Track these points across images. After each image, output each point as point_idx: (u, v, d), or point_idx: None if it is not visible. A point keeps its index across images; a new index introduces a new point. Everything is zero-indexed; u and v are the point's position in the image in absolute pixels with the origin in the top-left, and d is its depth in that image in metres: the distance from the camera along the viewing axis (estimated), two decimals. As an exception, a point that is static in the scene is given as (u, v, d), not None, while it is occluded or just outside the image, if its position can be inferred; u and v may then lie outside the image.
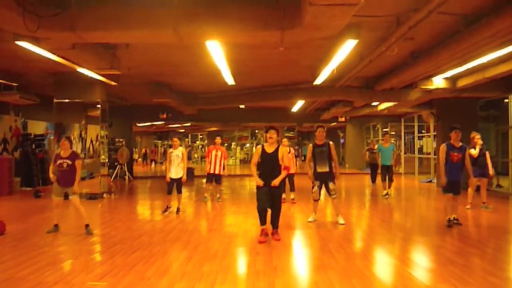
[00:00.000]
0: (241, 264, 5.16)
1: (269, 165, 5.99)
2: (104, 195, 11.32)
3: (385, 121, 21.86)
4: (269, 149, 6.03)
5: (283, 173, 5.97)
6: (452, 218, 7.02)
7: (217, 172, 10.06)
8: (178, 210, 8.53)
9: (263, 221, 6.07)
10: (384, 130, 23.04)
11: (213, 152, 10.07)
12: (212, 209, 9.46)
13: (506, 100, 12.20)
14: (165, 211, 8.49)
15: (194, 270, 4.60)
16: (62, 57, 7.44)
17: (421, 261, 5.26)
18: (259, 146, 6.16)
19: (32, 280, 4.26)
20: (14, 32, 5.76)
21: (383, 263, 5.24)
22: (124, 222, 7.60)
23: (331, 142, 7.30)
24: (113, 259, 5.08)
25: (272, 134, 6.01)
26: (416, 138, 19.04)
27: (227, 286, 4.14)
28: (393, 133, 22.99)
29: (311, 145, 7.38)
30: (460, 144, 7.04)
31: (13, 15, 4.92)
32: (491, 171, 8.71)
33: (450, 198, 7.02)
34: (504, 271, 4.87)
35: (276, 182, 5.87)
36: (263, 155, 6.03)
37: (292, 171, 10.02)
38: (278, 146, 6.06)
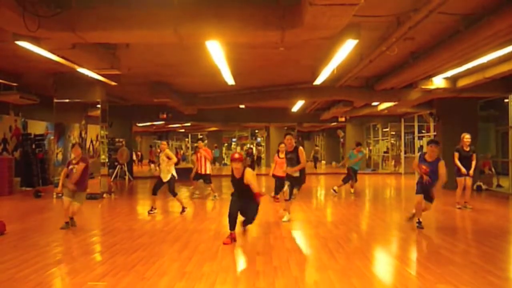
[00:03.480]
0: (241, 264, 5.17)
1: (238, 189, 6.09)
2: (104, 195, 11.32)
3: (385, 121, 21.86)
4: (237, 174, 5.97)
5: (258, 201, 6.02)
6: (418, 220, 6.80)
7: (203, 172, 10.68)
8: (183, 209, 8.64)
9: (231, 227, 5.94)
10: (384, 130, 23.07)
11: (198, 155, 10.84)
12: (212, 209, 9.47)
13: (506, 100, 12.20)
14: (150, 211, 8.59)
15: (194, 270, 4.61)
16: (62, 57, 7.44)
17: (421, 261, 5.26)
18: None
19: (32, 280, 4.27)
20: (14, 32, 5.75)
21: (383, 263, 5.24)
22: (124, 222, 7.60)
23: (300, 148, 7.52)
24: (113, 259, 5.08)
25: (237, 165, 5.89)
26: (416, 138, 19.04)
27: (227, 286, 4.14)
28: (393, 133, 23.00)
29: (283, 144, 7.70)
30: (434, 158, 6.63)
31: (13, 15, 4.92)
32: (471, 172, 8.62)
33: (420, 200, 6.75)
34: (504, 271, 4.88)
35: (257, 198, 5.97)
36: (232, 179, 6.12)
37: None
38: (244, 171, 5.91)
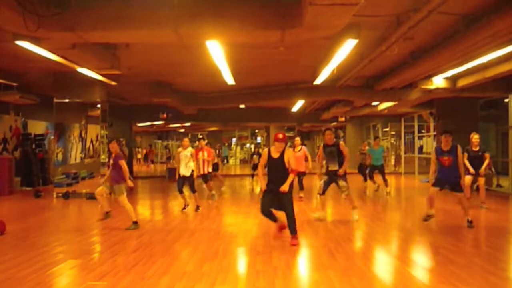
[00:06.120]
0: (241, 264, 5.17)
1: (276, 170, 5.83)
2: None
3: (385, 121, 21.84)
4: (275, 154, 5.85)
5: (291, 177, 5.76)
6: (430, 214, 6.90)
7: (204, 172, 10.29)
8: (197, 207, 8.75)
9: (273, 219, 5.98)
10: (384, 130, 23.05)
11: (199, 154, 10.14)
12: (212, 209, 9.47)
13: (506, 100, 12.20)
14: (184, 208, 8.80)
15: (194, 270, 4.61)
16: (62, 57, 7.44)
17: (421, 261, 5.26)
18: (266, 150, 6.06)
19: (32, 280, 4.27)
20: (14, 32, 5.75)
21: (383, 263, 5.24)
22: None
23: (341, 142, 7.70)
24: (113, 259, 5.08)
25: (281, 144, 5.81)
26: (416, 138, 19.05)
27: (227, 286, 4.14)
28: (393, 133, 22.98)
29: (322, 145, 7.72)
30: (449, 146, 6.70)
31: (13, 14, 4.92)
32: (482, 170, 8.58)
33: (434, 192, 6.82)
34: (504, 271, 4.87)
35: (285, 187, 5.67)
36: (269, 160, 5.88)
37: (302, 169, 10.03)
38: (284, 150, 5.84)
